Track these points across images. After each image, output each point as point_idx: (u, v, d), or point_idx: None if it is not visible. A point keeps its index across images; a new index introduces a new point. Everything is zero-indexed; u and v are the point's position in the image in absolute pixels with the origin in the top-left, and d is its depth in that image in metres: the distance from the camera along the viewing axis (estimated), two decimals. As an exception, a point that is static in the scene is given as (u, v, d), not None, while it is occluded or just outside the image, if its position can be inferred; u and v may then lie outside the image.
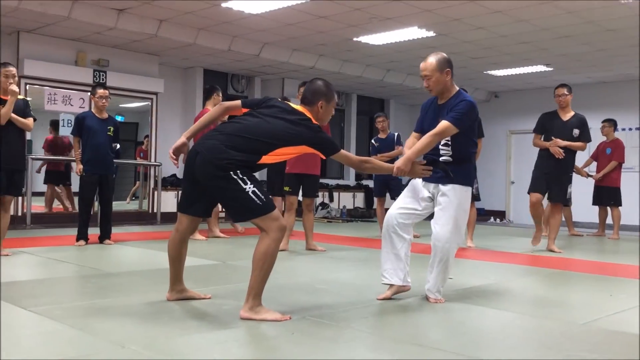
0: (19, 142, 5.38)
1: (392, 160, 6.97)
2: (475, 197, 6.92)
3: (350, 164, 3.53)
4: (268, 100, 3.38)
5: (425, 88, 3.73)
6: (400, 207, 3.72)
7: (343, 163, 3.53)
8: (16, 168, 5.36)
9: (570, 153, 6.38)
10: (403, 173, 3.57)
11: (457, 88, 3.75)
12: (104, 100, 6.35)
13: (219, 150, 3.09)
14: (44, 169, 10.00)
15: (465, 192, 3.67)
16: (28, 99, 5.57)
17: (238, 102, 3.45)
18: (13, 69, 5.31)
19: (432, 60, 3.67)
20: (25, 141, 5.55)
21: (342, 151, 3.35)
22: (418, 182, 3.74)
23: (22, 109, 5.37)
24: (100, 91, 6.38)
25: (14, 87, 5.20)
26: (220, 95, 7.13)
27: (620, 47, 9.21)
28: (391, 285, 3.70)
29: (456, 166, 3.65)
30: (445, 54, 3.73)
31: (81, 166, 6.30)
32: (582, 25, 8.07)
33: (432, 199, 3.71)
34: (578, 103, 10.54)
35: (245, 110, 3.38)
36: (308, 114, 3.30)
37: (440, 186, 3.65)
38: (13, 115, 5.23)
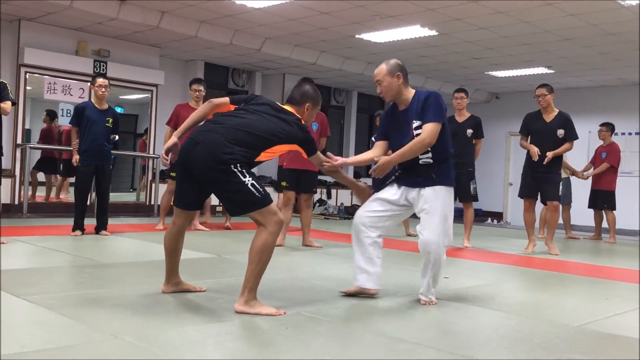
0: None
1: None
2: (474, 198, 6.92)
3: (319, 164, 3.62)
4: (256, 97, 3.43)
5: (379, 94, 3.72)
6: (370, 209, 3.64)
7: (315, 164, 3.61)
8: None
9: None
10: (382, 174, 3.59)
11: (413, 90, 3.70)
12: (103, 89, 6.31)
13: (223, 145, 3.10)
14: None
15: (448, 191, 3.59)
16: (5, 81, 5.23)
17: (226, 99, 3.44)
18: None
19: (382, 65, 3.66)
20: (0, 125, 5.29)
21: (318, 152, 3.49)
22: (394, 186, 3.68)
23: None
24: (100, 80, 6.35)
25: None
26: (194, 88, 7.10)
27: (621, 51, 9.21)
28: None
29: (437, 167, 3.58)
30: (397, 60, 3.69)
31: (77, 156, 6.28)
32: (584, 28, 8.06)
33: (410, 204, 3.62)
34: (578, 106, 10.59)
35: (232, 107, 3.38)
36: (296, 115, 3.40)
37: (422, 191, 3.56)
38: None
